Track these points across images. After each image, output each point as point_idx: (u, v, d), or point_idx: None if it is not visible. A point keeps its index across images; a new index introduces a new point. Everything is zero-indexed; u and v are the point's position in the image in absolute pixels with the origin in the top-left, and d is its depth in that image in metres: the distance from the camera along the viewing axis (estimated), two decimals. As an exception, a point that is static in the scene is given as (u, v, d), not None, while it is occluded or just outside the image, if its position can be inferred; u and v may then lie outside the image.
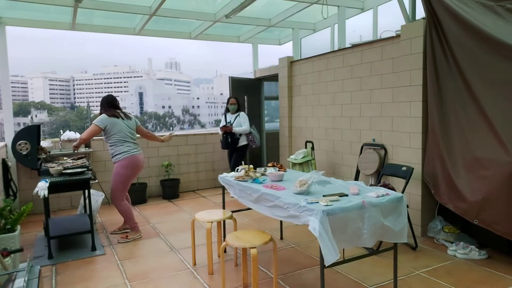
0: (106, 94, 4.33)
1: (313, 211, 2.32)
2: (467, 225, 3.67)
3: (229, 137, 5.62)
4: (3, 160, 4.84)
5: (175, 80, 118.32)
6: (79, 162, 4.35)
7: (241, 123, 5.63)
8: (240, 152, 5.69)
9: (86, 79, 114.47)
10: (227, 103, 5.84)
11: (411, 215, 3.79)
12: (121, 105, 4.40)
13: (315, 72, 5.54)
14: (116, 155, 4.12)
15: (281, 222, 4.09)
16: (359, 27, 6.15)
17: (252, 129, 5.73)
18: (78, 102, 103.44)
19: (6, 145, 5.16)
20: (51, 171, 3.81)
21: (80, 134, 5.82)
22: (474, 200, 3.29)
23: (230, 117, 5.75)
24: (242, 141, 5.69)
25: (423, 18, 3.78)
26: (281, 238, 4.11)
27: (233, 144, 5.63)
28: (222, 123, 5.80)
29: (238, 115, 5.69)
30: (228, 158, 5.94)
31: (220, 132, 5.77)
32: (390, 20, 5.23)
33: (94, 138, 4.33)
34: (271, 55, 8.06)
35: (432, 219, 3.92)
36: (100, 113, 4.15)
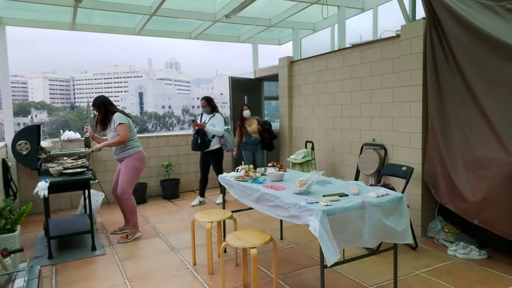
0: (99, 94, 4.34)
1: (313, 211, 2.32)
2: (467, 225, 3.67)
3: (199, 138, 5.39)
4: (3, 160, 4.84)
5: (175, 80, 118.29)
6: (79, 162, 4.35)
7: (215, 124, 5.39)
8: (215, 156, 5.51)
9: (86, 79, 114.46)
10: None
11: (411, 215, 3.77)
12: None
13: (315, 72, 5.54)
14: (127, 149, 4.16)
15: (281, 222, 4.09)
16: (359, 27, 6.15)
17: (227, 132, 5.50)
18: (78, 102, 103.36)
19: (6, 145, 5.16)
20: (51, 171, 3.81)
21: (80, 134, 5.87)
22: (474, 200, 3.29)
23: (205, 117, 5.57)
24: (215, 144, 5.44)
25: (423, 18, 3.78)
26: (281, 238, 4.11)
27: (202, 146, 5.40)
28: None
29: (214, 115, 5.49)
30: (200, 161, 5.65)
31: (192, 131, 5.59)
32: (390, 20, 5.22)
33: (93, 138, 4.36)
34: (271, 55, 8.06)
35: (432, 219, 3.92)
36: (103, 113, 4.12)
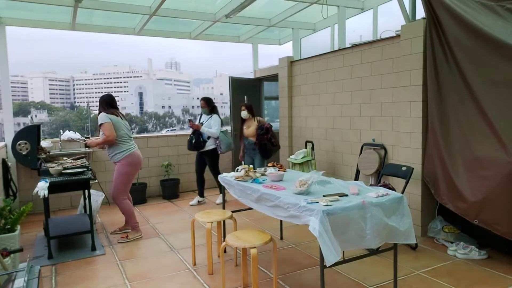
0: (105, 93, 4.35)
1: (313, 211, 2.32)
2: (467, 225, 3.67)
3: (194, 138, 5.43)
4: (3, 160, 4.84)
5: (175, 80, 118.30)
6: (79, 162, 4.35)
7: (211, 125, 5.41)
8: (211, 156, 5.50)
9: (86, 79, 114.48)
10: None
11: (411, 215, 3.79)
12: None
13: (315, 72, 5.54)
14: (117, 153, 4.13)
15: (281, 222, 4.09)
16: (359, 27, 6.15)
17: (223, 134, 5.47)
18: (78, 102, 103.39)
19: (6, 145, 5.16)
20: (51, 171, 3.81)
21: (80, 134, 5.87)
22: (474, 200, 3.29)
23: (204, 118, 5.58)
24: (210, 145, 5.45)
25: (423, 18, 3.78)
26: (281, 238, 4.11)
27: (196, 146, 5.44)
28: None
29: (211, 117, 5.50)
30: (196, 161, 5.70)
31: (191, 131, 5.58)
32: (390, 20, 5.22)
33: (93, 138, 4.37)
34: (271, 55, 8.06)
35: (432, 219, 3.92)
36: (99, 112, 4.16)
